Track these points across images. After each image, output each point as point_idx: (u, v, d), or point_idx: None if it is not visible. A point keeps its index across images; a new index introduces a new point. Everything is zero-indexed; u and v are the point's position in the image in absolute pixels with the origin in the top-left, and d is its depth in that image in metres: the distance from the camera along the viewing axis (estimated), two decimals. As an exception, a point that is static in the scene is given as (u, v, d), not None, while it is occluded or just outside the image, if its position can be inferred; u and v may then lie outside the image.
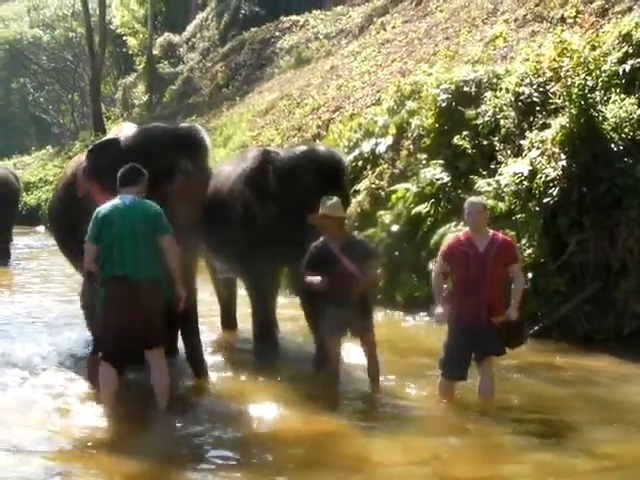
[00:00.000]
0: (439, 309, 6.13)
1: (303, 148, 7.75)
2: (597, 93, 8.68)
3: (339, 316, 6.39)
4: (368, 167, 11.97)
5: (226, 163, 8.96)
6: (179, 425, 5.74)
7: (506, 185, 9.06)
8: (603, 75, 8.88)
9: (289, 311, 8.58)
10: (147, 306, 5.84)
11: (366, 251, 6.66)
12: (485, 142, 10.04)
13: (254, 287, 7.83)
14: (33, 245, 19.52)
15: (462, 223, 9.30)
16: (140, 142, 6.72)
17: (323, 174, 7.02)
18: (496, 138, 9.94)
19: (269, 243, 7.19)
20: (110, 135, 8.09)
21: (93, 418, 5.86)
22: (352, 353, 7.01)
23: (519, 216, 8.81)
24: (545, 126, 9.16)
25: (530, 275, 8.51)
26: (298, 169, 7.16)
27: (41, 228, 24.66)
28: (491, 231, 6.29)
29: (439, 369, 6.27)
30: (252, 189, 7.36)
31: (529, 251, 8.54)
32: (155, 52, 33.34)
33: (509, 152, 9.63)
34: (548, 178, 8.58)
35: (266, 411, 6.10)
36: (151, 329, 5.90)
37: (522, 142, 9.37)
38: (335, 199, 6.56)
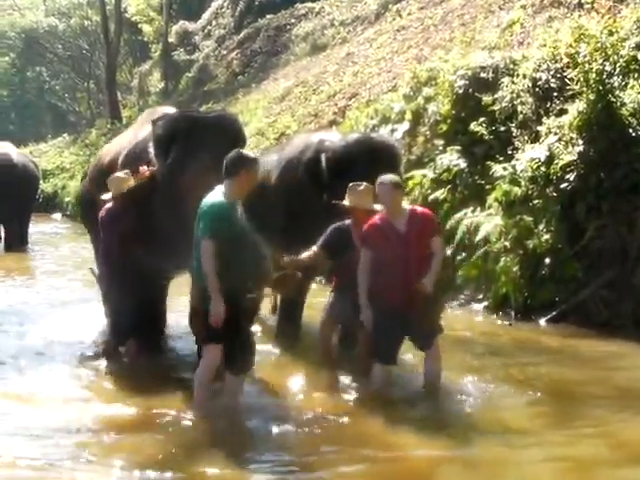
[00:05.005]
0: (369, 311, 5.81)
1: (358, 136, 7.54)
2: (615, 78, 8.64)
3: (345, 301, 6.22)
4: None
5: (270, 153, 8.79)
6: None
7: (522, 170, 9.06)
8: (621, 60, 8.83)
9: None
10: None
11: None
12: (502, 128, 10.02)
13: None
14: (50, 232, 19.63)
15: (479, 209, 9.40)
16: (166, 128, 6.45)
17: (378, 162, 6.74)
18: (513, 124, 9.92)
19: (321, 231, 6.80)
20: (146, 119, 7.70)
21: (110, 403, 5.89)
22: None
23: (536, 202, 8.81)
24: (562, 112, 9.14)
25: (547, 261, 8.53)
26: (353, 157, 6.91)
27: (57, 215, 24.79)
28: (408, 207, 6.13)
29: (373, 356, 5.96)
30: (310, 179, 7.13)
31: (546, 237, 8.54)
32: (170, 40, 33.32)
33: (526, 138, 9.61)
34: (565, 163, 8.57)
35: (287, 391, 6.12)
36: None
37: (539, 128, 9.35)
38: (364, 186, 6.19)
